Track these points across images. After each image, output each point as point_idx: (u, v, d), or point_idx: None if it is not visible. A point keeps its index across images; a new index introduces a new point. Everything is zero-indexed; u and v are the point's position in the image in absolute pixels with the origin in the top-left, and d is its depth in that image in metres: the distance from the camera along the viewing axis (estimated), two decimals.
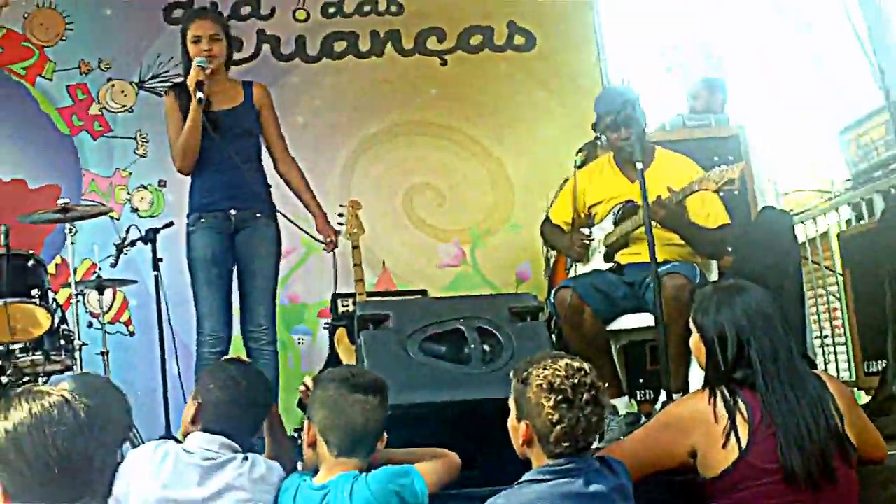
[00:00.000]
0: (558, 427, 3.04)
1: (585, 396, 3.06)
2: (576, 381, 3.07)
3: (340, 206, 6.36)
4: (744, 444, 3.24)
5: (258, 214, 5.28)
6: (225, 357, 4.53)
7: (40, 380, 5.90)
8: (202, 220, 5.24)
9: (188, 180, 5.37)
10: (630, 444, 3.53)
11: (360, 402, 3.32)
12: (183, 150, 5.17)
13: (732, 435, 3.25)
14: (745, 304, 3.42)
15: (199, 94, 5.03)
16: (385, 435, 3.36)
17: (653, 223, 4.64)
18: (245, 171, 5.22)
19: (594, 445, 3.27)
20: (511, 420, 3.20)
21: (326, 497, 3.23)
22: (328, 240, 5.49)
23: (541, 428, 3.07)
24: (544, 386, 3.06)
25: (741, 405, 3.29)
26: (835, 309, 6.96)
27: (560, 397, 3.04)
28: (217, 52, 5.17)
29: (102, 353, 6.27)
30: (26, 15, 7.70)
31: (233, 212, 5.22)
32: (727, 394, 3.32)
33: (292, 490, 3.35)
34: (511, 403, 3.20)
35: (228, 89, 5.31)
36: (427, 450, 3.48)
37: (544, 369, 3.09)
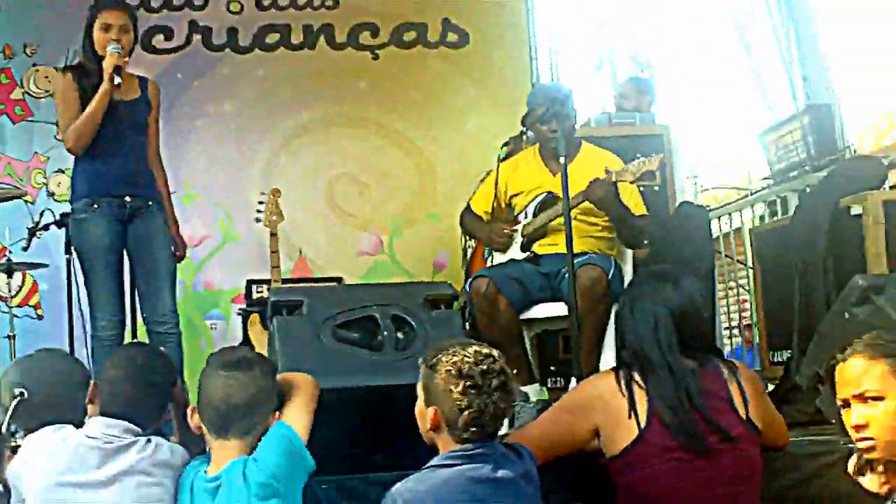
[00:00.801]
0: (466, 412, 3.02)
1: (494, 382, 3.05)
2: (484, 367, 3.06)
3: (261, 193, 6.28)
4: (643, 423, 3.28)
5: (150, 203, 5.21)
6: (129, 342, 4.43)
7: None
8: (94, 206, 5.11)
9: None
10: (535, 428, 3.55)
11: (223, 377, 3.28)
12: (81, 131, 5.07)
13: (632, 413, 3.29)
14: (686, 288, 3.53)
15: (118, 79, 4.98)
16: (275, 412, 3.30)
17: (572, 212, 4.67)
18: (138, 162, 5.20)
19: (502, 431, 3.26)
20: (419, 405, 3.18)
21: (219, 490, 3.18)
22: (177, 252, 5.41)
23: (448, 413, 3.06)
24: (453, 371, 3.04)
25: (639, 383, 3.33)
26: (744, 300, 7.07)
27: (469, 383, 3.03)
28: (125, 42, 5.11)
29: (9, 337, 6.19)
30: None
31: (128, 199, 5.13)
32: (628, 373, 3.36)
33: (188, 482, 3.29)
34: (419, 389, 3.18)
35: (128, 81, 5.23)
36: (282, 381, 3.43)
37: (453, 355, 3.08)
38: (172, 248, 5.33)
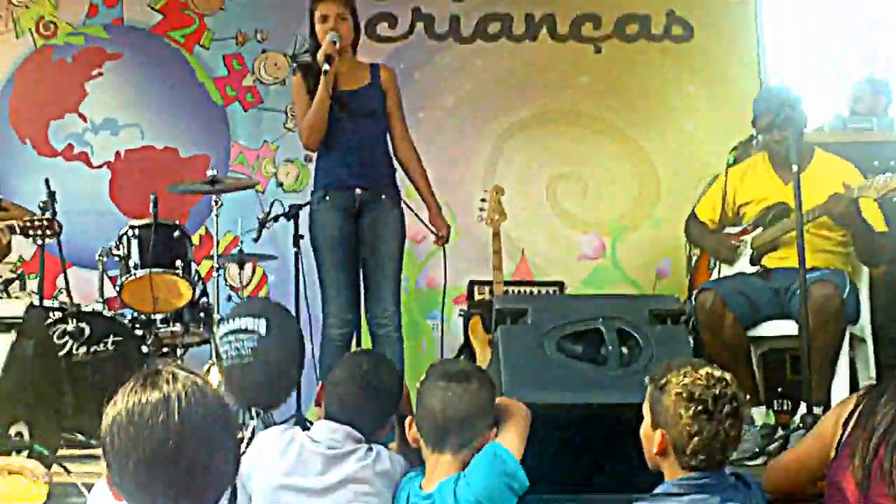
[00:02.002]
0: (696, 439, 2.93)
1: (726, 409, 2.94)
2: (717, 391, 2.95)
3: (484, 191, 6.27)
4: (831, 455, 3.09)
5: (383, 196, 5.22)
6: (359, 348, 4.48)
7: (178, 351, 6.01)
8: (327, 198, 5.20)
9: None
10: (787, 454, 3.45)
11: (441, 388, 3.27)
12: (310, 126, 5.17)
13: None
14: None
15: (326, 66, 5.03)
16: (494, 429, 3.29)
17: (804, 226, 4.53)
18: (371, 152, 5.22)
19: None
20: (645, 427, 3.10)
21: None
22: (440, 233, 5.43)
23: (677, 438, 2.96)
24: (684, 395, 2.94)
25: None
26: None
27: (700, 408, 2.92)
28: (343, 31, 5.16)
29: None
30: None
31: (358, 191, 5.17)
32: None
33: (403, 495, 3.31)
34: (646, 410, 3.09)
35: (355, 70, 5.31)
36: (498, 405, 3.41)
37: (684, 377, 2.97)
38: (435, 234, 5.39)
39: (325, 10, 5.20)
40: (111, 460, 2.07)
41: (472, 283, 6.67)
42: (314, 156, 5.45)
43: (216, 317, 5.92)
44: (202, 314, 6.07)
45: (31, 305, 4.78)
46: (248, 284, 6.92)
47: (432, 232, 5.45)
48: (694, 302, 4.90)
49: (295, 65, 5.72)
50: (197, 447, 2.05)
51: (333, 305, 5.15)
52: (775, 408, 5.54)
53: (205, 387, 2.13)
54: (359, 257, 5.23)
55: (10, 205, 5.77)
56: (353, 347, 5.22)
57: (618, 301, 4.51)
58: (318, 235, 5.23)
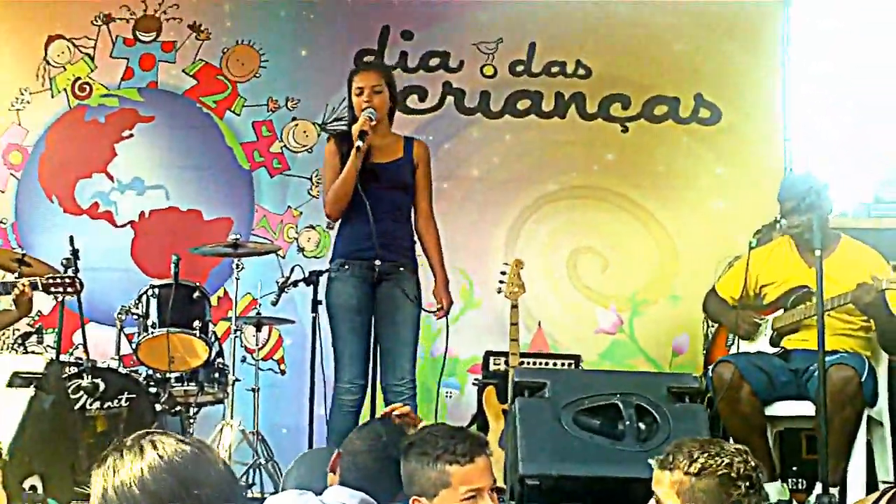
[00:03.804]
0: None
1: (760, 480, 2.97)
2: (752, 464, 2.97)
3: (504, 263, 6.26)
4: None
5: (401, 268, 5.28)
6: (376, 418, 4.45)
7: (191, 410, 6.02)
8: (346, 267, 5.25)
9: None
10: None
11: None
12: (336, 196, 5.23)
13: None
14: None
15: (359, 143, 5.10)
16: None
17: (826, 312, 4.55)
18: (394, 224, 5.29)
19: None
20: None
21: None
22: (443, 306, 5.45)
23: None
24: (731, 474, 2.92)
25: None
26: None
27: (747, 483, 2.92)
28: (377, 103, 5.23)
29: (253, 390, 6.34)
30: (225, 50, 7.85)
31: (377, 262, 5.21)
32: None
33: None
34: (671, 496, 2.99)
35: (390, 143, 5.39)
36: None
37: (718, 457, 2.94)
38: (437, 307, 5.43)
39: (361, 82, 5.29)
40: None
41: (487, 354, 6.64)
42: (336, 223, 5.49)
43: (230, 377, 5.94)
44: (217, 374, 6.09)
45: (51, 361, 4.80)
46: (263, 346, 6.89)
47: (436, 306, 5.49)
48: (711, 374, 4.92)
49: (331, 131, 5.77)
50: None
51: (347, 372, 5.19)
52: (790, 486, 5.48)
53: (201, 448, 2.12)
54: (372, 326, 5.28)
55: (33, 260, 5.80)
56: (365, 413, 5.23)
57: (636, 377, 4.56)
58: (334, 303, 5.29)
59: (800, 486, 5.54)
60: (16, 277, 5.53)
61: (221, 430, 5.74)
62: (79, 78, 7.85)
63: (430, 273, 5.54)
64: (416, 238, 5.46)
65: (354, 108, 5.28)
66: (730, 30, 7.80)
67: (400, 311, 5.26)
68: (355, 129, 5.14)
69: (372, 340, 5.28)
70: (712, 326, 6.39)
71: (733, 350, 5.28)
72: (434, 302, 5.52)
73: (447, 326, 5.47)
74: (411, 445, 3.27)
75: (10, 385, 4.30)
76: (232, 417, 5.88)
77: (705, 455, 2.96)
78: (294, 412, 6.50)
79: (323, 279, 5.63)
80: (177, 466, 2.03)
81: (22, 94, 7.83)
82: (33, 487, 4.04)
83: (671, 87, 7.82)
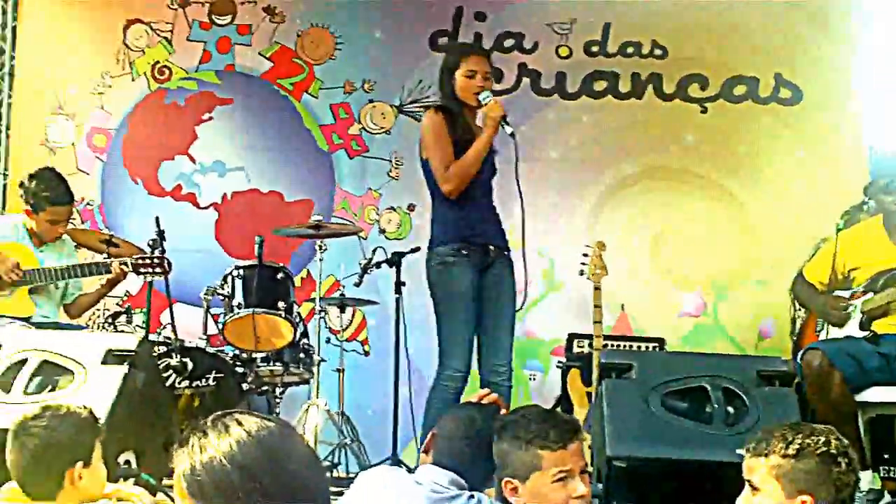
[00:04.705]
0: (846, 490, 2.93)
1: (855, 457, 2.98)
2: (846, 442, 2.98)
3: (586, 245, 6.27)
4: None
5: (506, 252, 5.27)
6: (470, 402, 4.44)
7: (277, 390, 6.09)
8: (464, 252, 5.13)
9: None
10: None
11: None
12: (465, 174, 5.10)
13: None
14: None
15: (510, 129, 5.10)
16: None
17: None
18: (495, 208, 5.28)
19: None
20: (771, 500, 2.96)
21: None
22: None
23: (826, 497, 2.91)
24: (831, 451, 2.92)
25: None
26: None
27: (846, 461, 2.93)
28: (490, 88, 5.19)
29: (338, 371, 6.40)
30: (300, 32, 7.93)
31: (491, 247, 5.19)
32: None
33: None
34: (767, 483, 2.96)
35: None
36: None
37: (815, 436, 2.95)
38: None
39: (475, 65, 5.20)
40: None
41: (571, 336, 6.66)
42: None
43: (315, 358, 5.99)
44: (302, 354, 6.14)
45: (143, 339, 4.89)
46: (347, 327, 6.96)
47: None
48: (800, 361, 4.85)
49: (419, 108, 5.73)
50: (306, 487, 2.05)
51: (456, 360, 5.08)
52: (882, 474, 5.42)
53: (285, 425, 2.13)
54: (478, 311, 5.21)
55: (121, 241, 5.92)
56: None
57: (724, 360, 4.51)
58: (451, 290, 5.15)
59: (891, 474, 5.47)
60: (105, 258, 5.64)
61: (308, 409, 5.78)
62: (157, 61, 7.96)
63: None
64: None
65: (460, 88, 5.18)
66: (807, 9, 7.73)
67: (504, 297, 5.24)
68: (496, 113, 5.09)
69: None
70: (800, 311, 6.32)
71: (822, 336, 5.23)
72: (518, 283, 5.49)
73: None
74: (505, 427, 3.28)
75: (104, 362, 4.37)
76: (318, 398, 5.90)
77: (801, 436, 2.95)
78: (379, 393, 6.56)
79: (406, 260, 5.64)
80: (264, 440, 2.03)
81: (103, 78, 7.97)
82: (128, 462, 4.12)
83: (750, 67, 7.76)
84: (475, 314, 5.15)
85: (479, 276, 5.16)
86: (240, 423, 2.06)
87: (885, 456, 5.49)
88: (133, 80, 7.97)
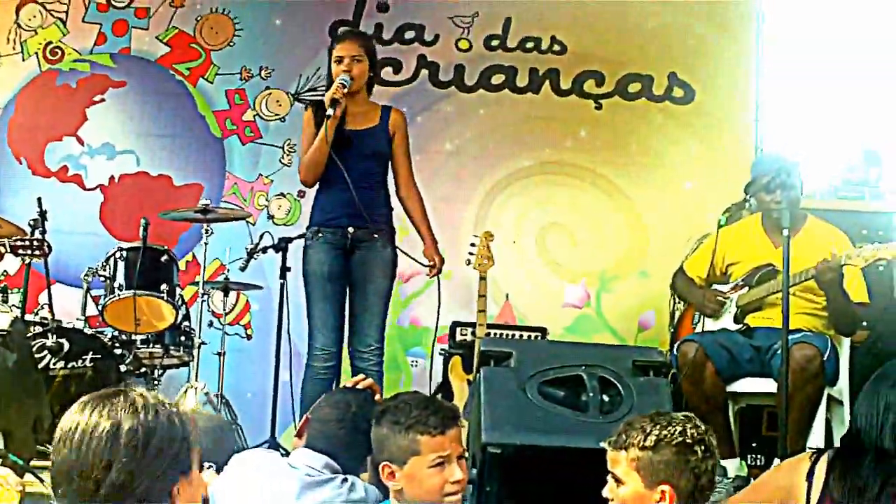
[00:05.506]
0: (704, 478, 2.98)
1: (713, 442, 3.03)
2: (702, 428, 3.03)
3: (474, 235, 6.32)
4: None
5: (375, 235, 5.28)
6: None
7: (156, 372, 6.04)
8: (320, 234, 5.28)
9: None
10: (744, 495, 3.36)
11: None
12: (309, 162, 5.26)
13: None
14: None
15: (330, 111, 5.12)
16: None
17: (791, 289, 4.58)
18: (367, 192, 5.27)
19: None
20: (632, 493, 3.01)
21: None
22: (431, 263, 5.47)
23: (686, 486, 2.96)
24: (686, 441, 2.97)
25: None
26: None
27: (703, 447, 2.98)
28: (357, 72, 5.24)
29: (219, 354, 6.35)
30: (199, 18, 7.82)
31: (350, 230, 5.24)
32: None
33: None
34: (628, 476, 3.01)
35: (367, 111, 5.40)
36: None
37: (670, 426, 2.99)
38: (429, 264, 5.45)
39: (342, 51, 5.29)
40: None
41: (454, 324, 6.69)
42: (307, 191, 5.49)
43: (196, 340, 5.94)
44: (183, 337, 6.13)
45: (16, 319, 4.79)
46: (231, 311, 6.89)
47: (427, 265, 5.50)
48: (676, 352, 4.99)
49: (306, 101, 5.79)
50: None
51: (321, 339, 5.22)
52: (749, 461, 5.55)
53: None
54: (346, 293, 5.30)
55: (1, 220, 5.77)
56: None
57: (602, 350, 4.56)
58: (309, 270, 5.30)
59: (758, 462, 5.60)
60: None
61: (186, 391, 5.77)
62: (50, 42, 7.80)
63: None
64: (391, 206, 5.46)
65: (333, 76, 5.28)
66: (704, 9, 7.84)
67: (372, 280, 5.29)
68: (327, 96, 5.17)
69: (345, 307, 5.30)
70: (679, 304, 6.44)
71: (699, 328, 5.32)
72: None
73: (439, 287, 5.51)
74: (384, 412, 3.29)
75: None
76: (197, 380, 5.89)
77: (657, 427, 3.00)
78: (259, 377, 6.50)
79: (292, 246, 5.65)
80: (170, 410, 2.11)
81: None
82: None
83: (645, 65, 7.84)
84: (338, 295, 5.26)
85: (344, 259, 5.26)
86: (142, 395, 2.12)
87: (753, 444, 5.64)
88: (23, 60, 7.79)
